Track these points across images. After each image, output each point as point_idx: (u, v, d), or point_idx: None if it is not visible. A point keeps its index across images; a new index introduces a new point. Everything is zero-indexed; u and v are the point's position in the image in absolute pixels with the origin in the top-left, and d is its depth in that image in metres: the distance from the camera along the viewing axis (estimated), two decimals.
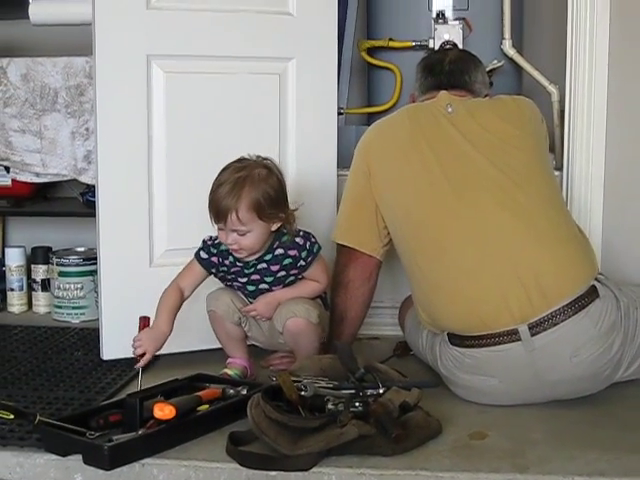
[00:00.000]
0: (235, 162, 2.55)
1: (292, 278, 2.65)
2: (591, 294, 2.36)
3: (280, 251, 2.61)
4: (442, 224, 2.47)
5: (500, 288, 2.36)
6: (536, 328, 2.32)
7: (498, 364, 2.38)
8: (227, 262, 2.64)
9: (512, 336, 2.34)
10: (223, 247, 2.62)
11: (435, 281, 2.47)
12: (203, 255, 2.64)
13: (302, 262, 2.62)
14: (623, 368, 2.45)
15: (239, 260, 2.62)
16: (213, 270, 2.66)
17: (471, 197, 2.45)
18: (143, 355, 2.47)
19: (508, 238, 2.40)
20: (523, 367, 2.36)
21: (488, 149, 2.51)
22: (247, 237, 2.52)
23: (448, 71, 2.72)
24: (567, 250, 2.43)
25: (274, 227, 2.56)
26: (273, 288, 2.64)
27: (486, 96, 2.73)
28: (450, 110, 2.58)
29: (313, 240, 2.63)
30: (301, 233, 2.62)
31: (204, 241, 2.66)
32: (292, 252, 2.61)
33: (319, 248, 2.64)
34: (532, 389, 2.41)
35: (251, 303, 2.66)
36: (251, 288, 2.66)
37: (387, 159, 2.63)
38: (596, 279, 2.42)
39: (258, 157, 2.57)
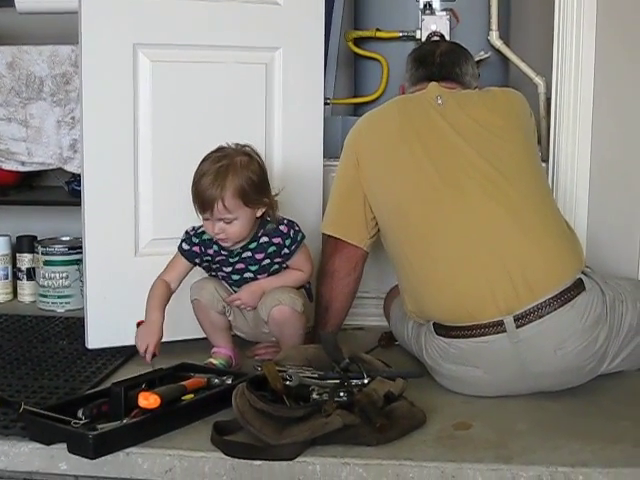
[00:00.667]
0: (214, 152, 2.55)
1: (276, 266, 2.65)
2: (577, 287, 2.37)
3: (265, 239, 2.61)
4: (430, 215, 2.47)
5: (487, 279, 2.36)
6: (521, 320, 2.33)
7: (483, 355, 2.38)
8: (211, 251, 2.64)
9: (497, 327, 2.34)
10: (206, 236, 2.62)
11: (422, 272, 2.48)
12: (185, 246, 2.64)
13: (286, 250, 2.62)
14: (608, 361, 2.46)
15: (223, 249, 2.62)
16: (197, 260, 2.66)
17: (459, 189, 2.45)
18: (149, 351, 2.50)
19: (495, 230, 2.41)
20: (508, 359, 2.36)
21: (477, 141, 2.51)
22: (234, 225, 2.52)
23: (439, 63, 2.72)
24: (554, 242, 2.43)
25: (259, 213, 2.56)
26: (258, 277, 2.65)
27: (475, 88, 2.74)
28: (440, 102, 2.58)
29: (297, 228, 2.64)
30: (285, 221, 2.63)
31: (186, 232, 2.66)
32: (276, 240, 2.61)
33: (303, 237, 2.65)
34: (516, 381, 2.41)
35: (235, 292, 2.66)
36: (236, 277, 2.66)
37: (376, 151, 2.63)
38: (582, 272, 2.42)
39: (237, 145, 2.57)
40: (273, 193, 2.59)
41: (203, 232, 2.62)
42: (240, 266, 2.63)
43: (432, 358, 2.50)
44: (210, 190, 2.47)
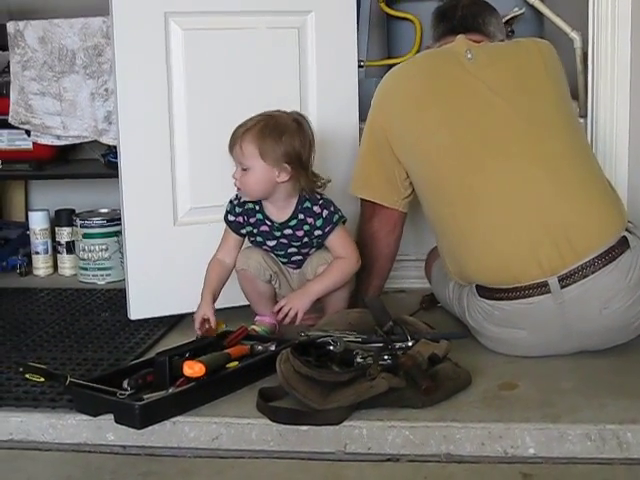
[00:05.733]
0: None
1: (318, 241, 2.62)
2: (622, 245, 2.34)
3: (301, 216, 2.59)
4: (468, 176, 2.43)
5: (529, 241, 2.34)
6: (566, 280, 2.30)
7: (527, 317, 2.36)
8: (253, 220, 2.63)
9: (542, 289, 2.32)
10: (249, 205, 2.62)
11: (463, 234, 2.45)
12: (230, 218, 2.65)
13: (318, 231, 2.59)
14: None
15: (268, 219, 2.60)
16: (243, 231, 2.65)
17: (497, 148, 2.42)
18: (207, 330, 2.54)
19: (536, 190, 2.37)
20: (552, 319, 2.34)
21: (511, 97, 2.46)
22: (247, 175, 2.52)
23: (461, 15, 2.68)
24: (595, 201, 2.40)
25: (280, 178, 2.52)
26: (302, 251, 2.63)
27: (501, 41, 2.69)
28: (470, 56, 2.52)
29: (332, 209, 2.59)
30: (320, 202, 2.59)
31: (230, 201, 2.65)
32: (310, 220, 2.59)
33: (340, 218, 2.59)
34: (561, 341, 2.39)
35: (282, 263, 2.66)
36: (280, 252, 2.65)
37: (405, 111, 2.58)
38: (626, 229, 2.39)
39: (293, 112, 2.58)
40: (322, 179, 2.59)
41: (246, 201, 2.62)
42: (283, 241, 2.62)
43: (475, 320, 2.48)
44: (236, 131, 2.51)
